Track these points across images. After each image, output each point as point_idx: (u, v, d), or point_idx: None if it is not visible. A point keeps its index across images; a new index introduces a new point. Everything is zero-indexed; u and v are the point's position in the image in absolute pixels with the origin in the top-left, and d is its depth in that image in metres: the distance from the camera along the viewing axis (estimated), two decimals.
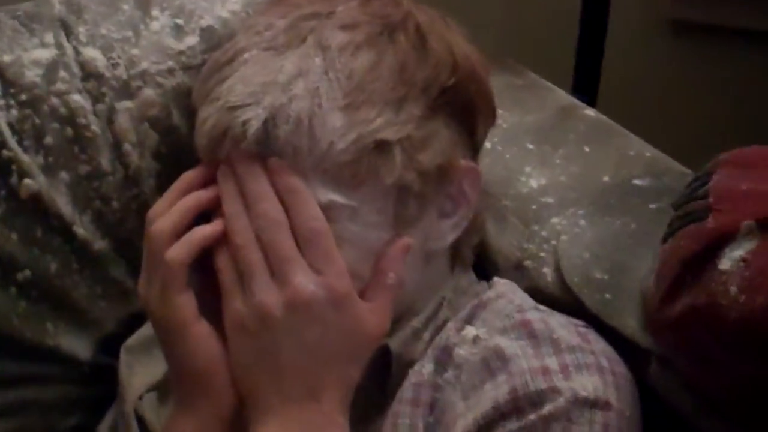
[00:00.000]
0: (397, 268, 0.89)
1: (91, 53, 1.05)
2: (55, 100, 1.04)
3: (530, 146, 1.10)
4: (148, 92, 1.05)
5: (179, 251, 0.86)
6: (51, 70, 1.04)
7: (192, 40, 1.07)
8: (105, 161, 1.05)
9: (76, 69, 1.05)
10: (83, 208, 1.05)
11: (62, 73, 1.05)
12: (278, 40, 0.89)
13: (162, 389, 0.98)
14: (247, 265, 0.85)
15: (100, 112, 1.05)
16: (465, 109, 0.93)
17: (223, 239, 0.87)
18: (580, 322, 0.92)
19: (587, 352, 0.88)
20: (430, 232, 0.92)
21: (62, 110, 1.04)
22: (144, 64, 1.05)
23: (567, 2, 1.73)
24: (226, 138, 0.87)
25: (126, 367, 1.02)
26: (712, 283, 0.84)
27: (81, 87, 1.05)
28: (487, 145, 1.02)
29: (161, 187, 0.95)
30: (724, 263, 0.84)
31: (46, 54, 1.05)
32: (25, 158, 1.03)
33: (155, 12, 1.08)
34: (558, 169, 1.08)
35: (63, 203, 1.04)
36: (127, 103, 1.05)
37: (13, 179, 1.03)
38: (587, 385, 0.85)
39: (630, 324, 0.92)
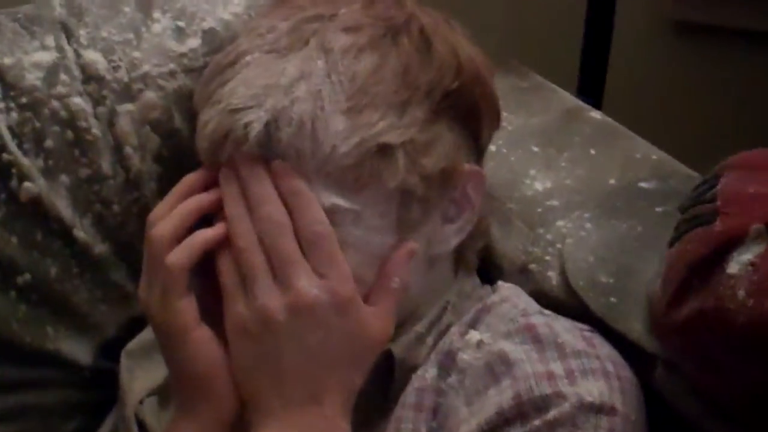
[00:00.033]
0: (402, 272, 0.88)
1: (92, 56, 1.05)
2: (55, 103, 1.04)
3: (535, 149, 1.10)
4: (150, 95, 1.05)
5: (180, 256, 0.86)
6: (51, 73, 1.04)
7: (194, 42, 1.06)
8: (106, 164, 1.04)
9: (76, 72, 1.05)
10: (83, 211, 1.05)
11: (63, 76, 1.04)
12: (280, 43, 0.89)
13: (163, 393, 0.97)
14: (250, 269, 0.85)
15: (100, 115, 1.05)
16: (469, 113, 0.93)
17: (224, 243, 0.87)
18: (585, 327, 0.91)
19: (592, 357, 0.87)
20: (433, 236, 0.92)
21: (63, 113, 1.04)
22: (145, 67, 1.05)
23: (572, 4, 1.73)
24: (228, 141, 0.86)
25: (127, 372, 1.01)
26: (720, 287, 0.84)
27: (82, 90, 1.04)
28: (492, 147, 1.02)
29: (162, 191, 0.94)
30: (732, 267, 0.84)
31: (46, 57, 1.04)
32: (25, 161, 1.03)
33: (157, 14, 1.07)
34: (563, 171, 1.07)
35: (63, 207, 1.04)
36: (129, 106, 1.04)
37: (13, 182, 1.03)
38: (592, 390, 0.85)
39: (636, 328, 0.92)
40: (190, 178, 0.90)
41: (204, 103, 0.89)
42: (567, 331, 0.89)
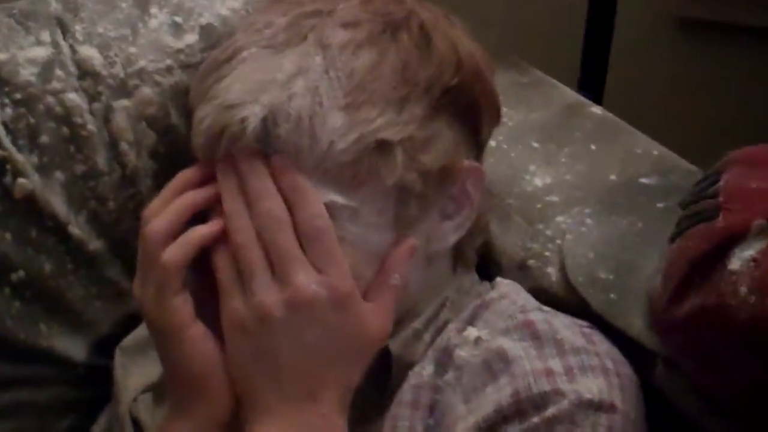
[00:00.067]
0: (403, 268, 0.88)
1: (88, 51, 1.05)
2: (50, 99, 1.03)
3: (535, 144, 1.10)
4: (146, 91, 1.04)
5: (175, 253, 0.85)
6: (47, 68, 1.03)
7: (191, 38, 1.06)
8: (101, 161, 1.04)
9: (72, 67, 1.04)
10: (78, 208, 1.04)
11: (58, 72, 1.04)
12: (278, 39, 0.88)
13: (158, 391, 0.97)
14: (248, 264, 0.84)
15: (96, 111, 1.04)
16: (469, 109, 0.92)
17: (221, 238, 0.86)
18: (584, 323, 0.91)
19: (592, 354, 0.87)
20: (431, 233, 0.92)
21: (58, 109, 1.03)
22: (142, 63, 1.05)
23: None
24: (224, 137, 0.86)
25: (121, 368, 1.01)
26: (722, 284, 0.84)
27: (77, 86, 1.04)
28: (492, 143, 1.01)
29: (158, 187, 0.93)
30: (734, 263, 0.84)
31: (41, 52, 1.04)
32: (19, 158, 1.02)
33: (153, 10, 1.07)
34: (563, 167, 1.07)
35: (58, 203, 1.03)
36: (125, 102, 1.04)
37: (7, 179, 1.03)
38: (592, 387, 0.85)
39: (636, 324, 0.92)
40: (185, 174, 0.89)
41: (200, 99, 0.89)
42: (566, 327, 0.89)
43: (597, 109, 1.15)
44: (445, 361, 0.90)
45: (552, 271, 0.99)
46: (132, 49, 1.05)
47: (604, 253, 0.97)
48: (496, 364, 0.87)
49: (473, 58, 0.92)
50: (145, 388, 0.98)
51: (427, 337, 0.92)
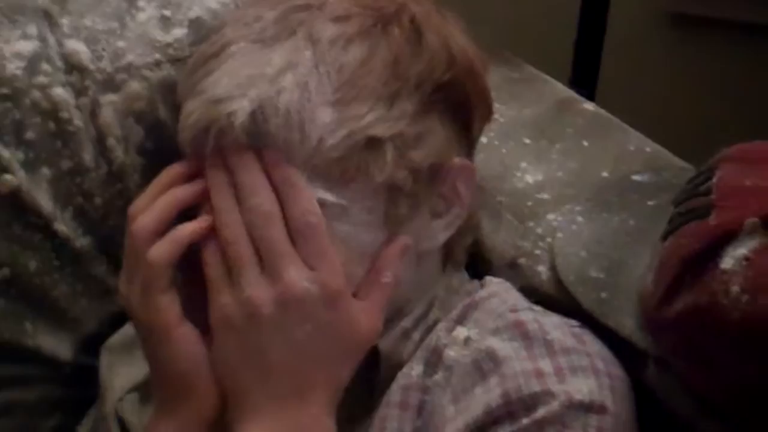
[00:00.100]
0: (395, 267, 0.87)
1: (75, 45, 1.03)
2: (36, 94, 1.02)
3: (527, 141, 1.10)
4: (134, 85, 1.03)
5: (162, 250, 0.85)
6: (33, 62, 1.02)
7: (180, 32, 1.05)
8: (88, 156, 1.03)
9: (59, 62, 1.03)
10: (65, 204, 1.03)
11: (45, 66, 1.02)
12: (267, 33, 0.88)
13: (144, 390, 0.96)
14: (237, 260, 0.84)
15: (83, 106, 1.03)
16: (460, 106, 0.92)
17: (209, 235, 0.85)
18: (575, 323, 0.90)
19: (582, 354, 0.86)
20: (421, 232, 0.91)
21: (44, 104, 1.02)
22: (130, 57, 1.03)
23: None
24: (211, 131, 0.85)
25: (107, 368, 1.00)
26: (714, 283, 0.83)
27: (64, 80, 1.03)
28: (483, 139, 1.01)
29: (146, 183, 0.92)
30: (727, 262, 0.83)
31: (28, 46, 1.03)
32: (5, 153, 1.01)
33: (142, 3, 1.06)
34: (555, 164, 1.07)
35: (44, 199, 1.02)
36: (112, 97, 1.03)
37: None
38: (582, 388, 0.84)
39: (627, 324, 0.91)
40: (172, 170, 0.88)
41: (188, 93, 0.88)
42: (556, 327, 0.89)
43: (589, 106, 1.15)
44: (434, 361, 0.89)
45: (542, 270, 0.98)
46: (120, 43, 1.04)
47: (595, 251, 0.96)
48: (485, 365, 0.87)
49: (465, 54, 0.91)
50: (131, 388, 0.97)
51: (416, 336, 0.92)
